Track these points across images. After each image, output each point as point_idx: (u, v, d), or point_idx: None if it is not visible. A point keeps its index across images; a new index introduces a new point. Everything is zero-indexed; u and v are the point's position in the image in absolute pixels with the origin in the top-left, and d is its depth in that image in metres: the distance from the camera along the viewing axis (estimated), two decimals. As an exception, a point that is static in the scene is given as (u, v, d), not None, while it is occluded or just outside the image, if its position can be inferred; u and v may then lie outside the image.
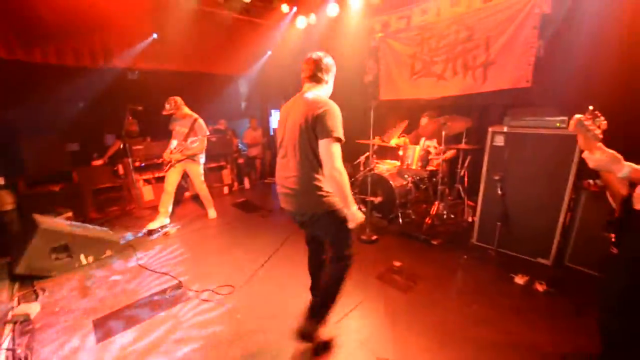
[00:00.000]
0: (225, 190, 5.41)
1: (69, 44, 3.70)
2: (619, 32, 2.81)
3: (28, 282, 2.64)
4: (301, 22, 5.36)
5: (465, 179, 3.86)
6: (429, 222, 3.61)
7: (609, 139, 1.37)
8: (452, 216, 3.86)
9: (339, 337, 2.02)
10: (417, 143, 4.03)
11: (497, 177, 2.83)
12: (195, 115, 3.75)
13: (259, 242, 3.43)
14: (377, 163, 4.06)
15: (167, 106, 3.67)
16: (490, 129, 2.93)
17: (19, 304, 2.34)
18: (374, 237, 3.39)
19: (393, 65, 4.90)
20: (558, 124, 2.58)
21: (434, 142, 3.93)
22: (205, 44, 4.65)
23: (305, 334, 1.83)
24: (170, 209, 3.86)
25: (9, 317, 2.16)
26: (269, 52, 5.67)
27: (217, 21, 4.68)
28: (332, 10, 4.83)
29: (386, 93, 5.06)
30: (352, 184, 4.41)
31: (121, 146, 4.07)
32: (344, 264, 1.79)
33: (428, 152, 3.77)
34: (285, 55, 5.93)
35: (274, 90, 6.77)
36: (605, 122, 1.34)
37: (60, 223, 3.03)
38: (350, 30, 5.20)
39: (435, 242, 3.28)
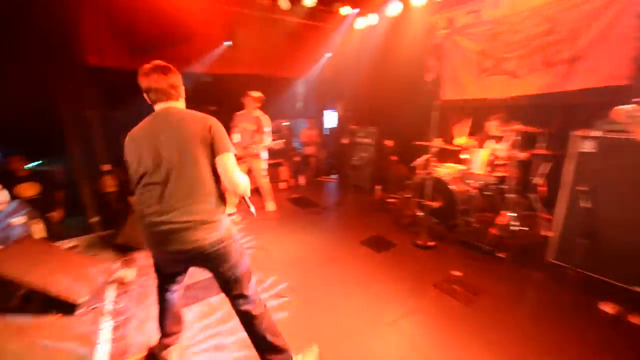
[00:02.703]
0: (282, 185, 5.70)
1: (163, 53, 4.28)
2: None
3: (127, 251, 3.14)
4: (360, 23, 5.38)
5: (542, 188, 3.46)
6: (495, 232, 3.32)
7: None
8: (523, 228, 3.49)
9: (392, 337, 2.01)
10: (483, 146, 3.75)
11: (584, 188, 2.49)
12: (260, 112, 4.00)
13: (315, 238, 3.55)
14: (436, 166, 3.88)
15: (252, 101, 3.94)
16: (576, 133, 2.59)
17: (119, 268, 2.81)
18: (431, 243, 3.26)
19: (458, 63, 4.62)
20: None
21: (503, 146, 3.60)
22: (270, 49, 4.97)
23: None
24: (236, 200, 4.22)
25: (112, 278, 2.61)
26: (328, 54, 5.81)
27: (282, 27, 4.96)
28: (394, 9, 4.74)
29: (449, 93, 4.79)
30: (408, 187, 4.29)
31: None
32: None
33: (496, 157, 3.47)
34: (344, 57, 6.00)
35: (330, 92, 6.90)
36: None
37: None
38: (410, 29, 5.05)
39: (501, 255, 3.02)
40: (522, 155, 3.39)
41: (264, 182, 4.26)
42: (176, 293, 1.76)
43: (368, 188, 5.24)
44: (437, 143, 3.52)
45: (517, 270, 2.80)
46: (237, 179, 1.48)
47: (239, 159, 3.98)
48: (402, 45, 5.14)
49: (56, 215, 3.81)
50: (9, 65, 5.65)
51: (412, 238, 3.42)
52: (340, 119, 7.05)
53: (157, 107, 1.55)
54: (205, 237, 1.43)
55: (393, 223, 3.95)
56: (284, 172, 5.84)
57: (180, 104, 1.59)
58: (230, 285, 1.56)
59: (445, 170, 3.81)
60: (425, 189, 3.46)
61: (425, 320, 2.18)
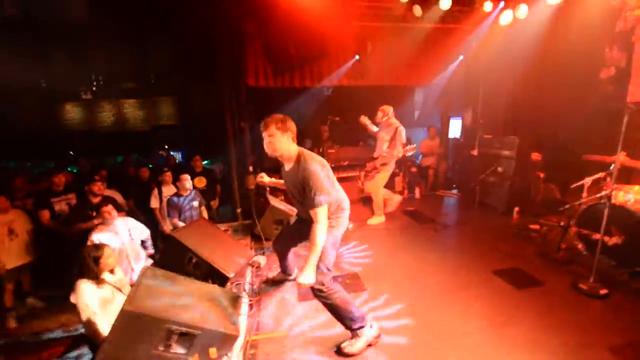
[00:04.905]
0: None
1: (300, 72, 4.91)
2: None
3: (260, 240, 3.67)
4: (506, 17, 4.66)
5: None
6: None
7: None
8: None
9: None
10: None
11: None
12: (398, 124, 3.94)
13: (435, 257, 3.24)
14: (617, 189, 2.90)
15: (379, 114, 4.03)
16: None
17: (254, 255, 3.31)
18: (603, 291, 2.44)
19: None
20: None
21: None
22: (398, 58, 4.93)
23: None
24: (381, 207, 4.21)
25: (251, 261, 3.09)
26: (461, 57, 5.29)
27: (412, 35, 4.84)
28: (557, -5, 3.90)
29: (642, 92, 3.54)
30: (563, 212, 3.39)
31: (321, 149, 4.97)
32: None
33: None
34: (480, 59, 5.34)
35: (457, 98, 6.25)
36: None
37: (282, 204, 4.04)
38: (578, 16, 4.05)
39: None
40: None
41: (380, 192, 4.15)
42: None
43: (502, 209, 4.44)
44: (622, 159, 2.63)
45: None
46: None
47: (369, 169, 4.09)
48: (564, 37, 4.18)
49: (214, 204, 4.86)
50: (197, 88, 7.71)
51: (571, 279, 2.67)
52: (466, 128, 6.29)
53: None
54: None
55: (539, 256, 3.19)
56: (398, 182, 5.64)
57: None
58: None
59: (632, 196, 2.81)
60: (595, 218, 2.64)
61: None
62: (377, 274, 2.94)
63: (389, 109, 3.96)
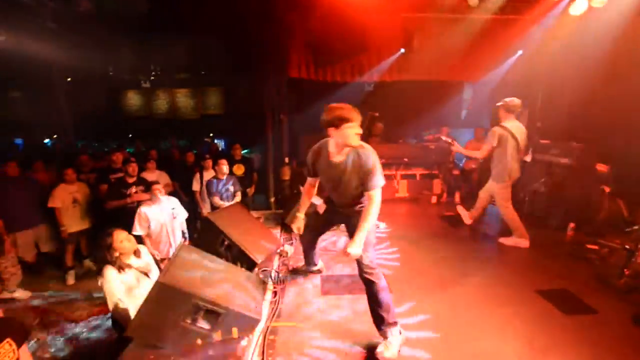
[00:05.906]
0: (434, 199, 5.25)
1: (342, 65, 4.85)
2: None
3: (290, 230, 3.73)
4: (579, 7, 4.11)
5: None
6: None
7: None
8: None
9: None
10: None
11: None
12: (502, 125, 3.41)
13: (471, 268, 3.01)
14: None
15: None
16: None
17: (283, 244, 3.38)
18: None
19: None
20: None
21: None
22: (448, 52, 4.62)
23: None
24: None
25: (279, 250, 3.15)
26: (520, 52, 4.80)
27: (465, 26, 4.49)
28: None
29: None
30: (630, 234, 2.95)
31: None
32: None
33: None
34: (542, 54, 4.80)
35: (515, 97, 5.71)
36: None
37: (315, 198, 4.05)
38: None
39: None
40: None
41: (504, 211, 3.45)
42: None
43: (554, 223, 3.99)
44: None
45: None
46: None
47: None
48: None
49: (250, 191, 5.05)
50: (241, 81, 8.04)
51: (633, 311, 2.31)
52: (520, 131, 5.74)
53: None
54: None
55: (595, 280, 2.81)
56: (437, 185, 5.36)
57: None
58: None
59: None
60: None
61: None
62: (406, 280, 2.81)
63: (505, 104, 3.36)
